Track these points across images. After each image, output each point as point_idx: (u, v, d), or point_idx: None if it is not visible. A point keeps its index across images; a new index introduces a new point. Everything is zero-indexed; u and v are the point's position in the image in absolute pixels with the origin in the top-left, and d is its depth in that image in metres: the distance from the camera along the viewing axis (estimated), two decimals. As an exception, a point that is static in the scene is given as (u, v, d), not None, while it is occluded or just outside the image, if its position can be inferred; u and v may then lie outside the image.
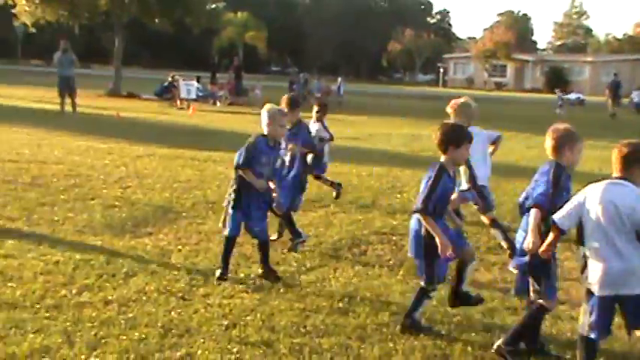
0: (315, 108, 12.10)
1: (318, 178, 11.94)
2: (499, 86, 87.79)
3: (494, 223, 9.18)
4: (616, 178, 5.23)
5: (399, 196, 12.45)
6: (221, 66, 46.35)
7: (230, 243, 7.60)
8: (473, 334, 6.20)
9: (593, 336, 5.22)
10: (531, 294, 5.76)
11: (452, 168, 6.18)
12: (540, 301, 5.69)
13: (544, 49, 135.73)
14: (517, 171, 15.43)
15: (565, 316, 6.80)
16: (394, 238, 9.55)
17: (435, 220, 5.95)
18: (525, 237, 5.62)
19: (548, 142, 5.71)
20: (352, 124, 27.72)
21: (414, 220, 6.20)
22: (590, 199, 5.27)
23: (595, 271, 5.19)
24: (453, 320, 6.55)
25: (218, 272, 7.44)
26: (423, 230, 6.04)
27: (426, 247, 6.09)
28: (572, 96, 52.69)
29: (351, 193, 12.46)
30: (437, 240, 5.91)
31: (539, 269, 5.60)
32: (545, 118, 29.37)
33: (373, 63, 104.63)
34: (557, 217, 5.37)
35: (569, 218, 5.31)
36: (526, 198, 5.81)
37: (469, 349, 5.87)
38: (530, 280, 5.71)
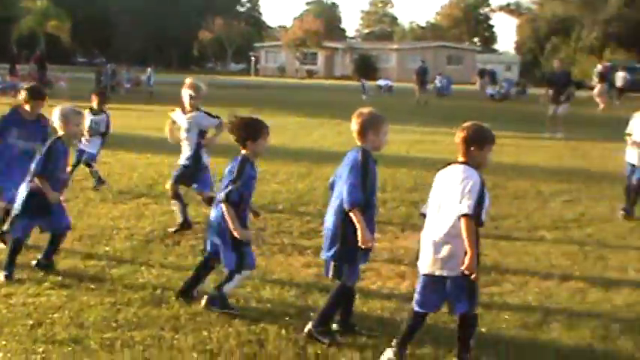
0: (94, 99, 11.88)
1: (88, 165, 11.94)
2: (310, 74, 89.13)
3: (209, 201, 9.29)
4: (459, 162, 5.40)
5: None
6: (21, 57, 44.07)
7: (19, 245, 7.18)
8: (287, 318, 6.24)
9: (416, 308, 5.43)
10: (330, 275, 5.82)
11: (254, 159, 6.34)
12: (339, 281, 5.77)
13: (353, 37, 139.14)
14: (329, 156, 15.71)
15: (376, 295, 7.01)
16: (207, 227, 9.47)
17: (236, 211, 6.11)
18: (335, 222, 5.71)
19: (354, 126, 5.77)
20: (164, 114, 27.15)
21: (215, 211, 6.36)
22: (434, 183, 5.48)
23: (424, 248, 5.40)
24: (267, 305, 6.58)
25: (2, 275, 7.00)
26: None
27: (232, 233, 6.18)
28: (381, 82, 54.27)
29: (162, 184, 12.21)
30: (234, 232, 6.09)
31: (347, 255, 5.69)
32: (355, 105, 29.98)
33: (184, 52, 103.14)
34: (423, 209, 5.58)
35: (431, 205, 5.49)
36: (333, 184, 5.92)
37: (284, 332, 5.91)
38: (332, 263, 5.76)
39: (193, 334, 5.80)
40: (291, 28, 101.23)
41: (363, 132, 5.71)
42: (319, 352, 5.56)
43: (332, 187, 5.92)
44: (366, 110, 5.82)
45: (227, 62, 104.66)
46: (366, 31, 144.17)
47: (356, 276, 5.86)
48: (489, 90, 47.34)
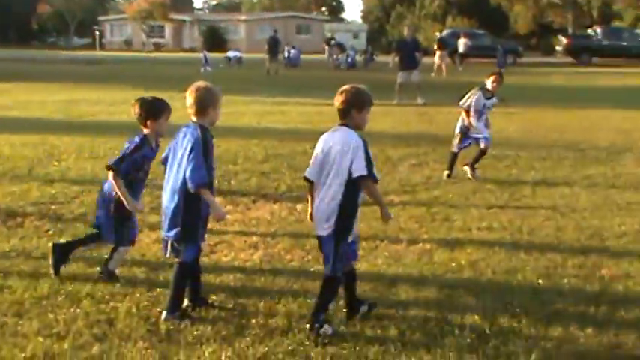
0: None
1: None
2: (158, 47, 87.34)
3: None
4: (340, 124, 5.46)
5: (56, 164, 11.93)
6: None
7: None
8: (138, 295, 6.11)
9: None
10: (168, 254, 5.73)
11: (154, 139, 6.37)
12: (178, 259, 5.69)
13: (200, 9, 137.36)
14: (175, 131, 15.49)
15: (228, 267, 7.00)
16: (53, 207, 9.15)
17: (124, 184, 6.15)
18: (177, 202, 5.58)
19: (190, 102, 5.67)
20: (2, 92, 26.00)
21: (106, 185, 6.33)
22: (317, 146, 5.52)
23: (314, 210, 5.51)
24: (117, 283, 6.40)
25: None
26: (114, 192, 6.17)
27: (116, 207, 6.22)
28: (231, 54, 53.87)
29: (3, 165, 11.71)
30: (124, 200, 6.11)
31: (187, 235, 5.61)
32: (202, 77, 29.80)
33: (23, 27, 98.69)
34: (307, 172, 5.56)
35: (316, 169, 5.48)
36: (166, 159, 5.85)
37: (134, 309, 5.78)
38: (170, 241, 5.65)
39: (39, 318, 5.58)
40: (136, 0, 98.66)
41: (202, 108, 5.64)
42: (172, 327, 5.48)
43: (164, 162, 5.82)
44: (202, 84, 5.74)
45: (70, 37, 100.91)
46: (214, 2, 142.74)
47: (196, 252, 5.75)
48: (338, 59, 47.99)
